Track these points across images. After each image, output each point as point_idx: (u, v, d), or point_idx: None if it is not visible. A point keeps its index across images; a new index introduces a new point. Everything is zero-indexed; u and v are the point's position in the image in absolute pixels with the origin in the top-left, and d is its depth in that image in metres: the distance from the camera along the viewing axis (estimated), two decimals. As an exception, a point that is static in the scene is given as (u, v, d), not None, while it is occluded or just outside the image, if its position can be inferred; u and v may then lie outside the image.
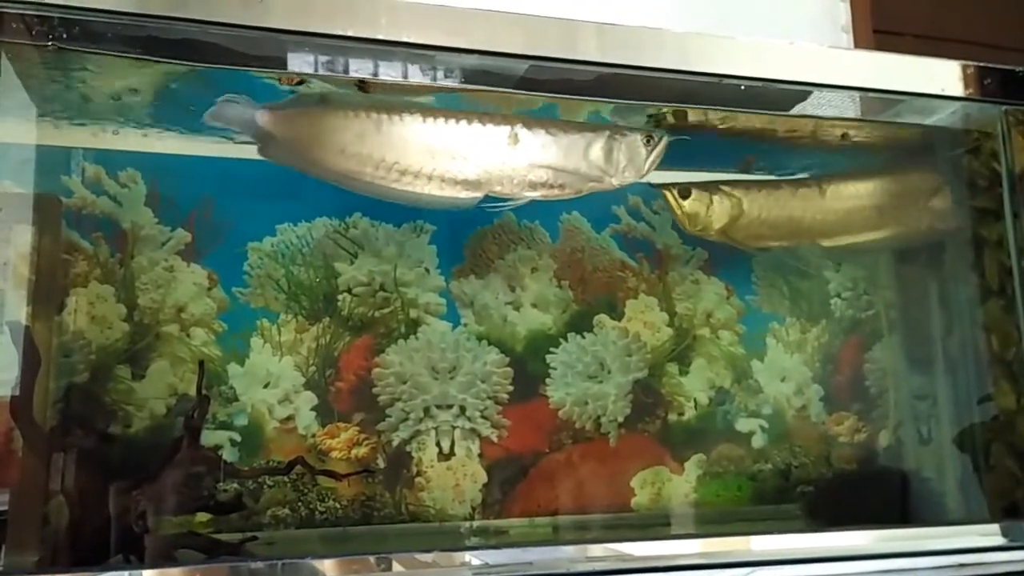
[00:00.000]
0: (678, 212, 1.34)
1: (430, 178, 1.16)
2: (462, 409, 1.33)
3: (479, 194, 1.18)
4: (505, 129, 1.18)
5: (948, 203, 1.44)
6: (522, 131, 1.18)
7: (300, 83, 1.13)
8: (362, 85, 1.13)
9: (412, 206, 1.18)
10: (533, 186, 1.19)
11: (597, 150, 1.20)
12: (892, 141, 1.44)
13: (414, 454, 1.30)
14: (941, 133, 1.38)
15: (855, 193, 1.42)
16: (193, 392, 1.17)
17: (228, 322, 1.26)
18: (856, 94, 1.26)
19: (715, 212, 1.33)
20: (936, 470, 1.46)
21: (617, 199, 1.45)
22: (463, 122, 1.16)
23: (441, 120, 1.15)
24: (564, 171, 1.19)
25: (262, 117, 1.12)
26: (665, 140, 1.22)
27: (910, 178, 1.51)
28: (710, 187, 1.35)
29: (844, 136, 1.38)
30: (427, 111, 1.15)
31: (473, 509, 1.31)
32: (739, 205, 1.34)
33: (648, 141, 1.21)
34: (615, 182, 1.22)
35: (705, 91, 1.18)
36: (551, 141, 1.19)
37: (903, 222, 1.45)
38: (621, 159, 1.21)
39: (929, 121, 1.34)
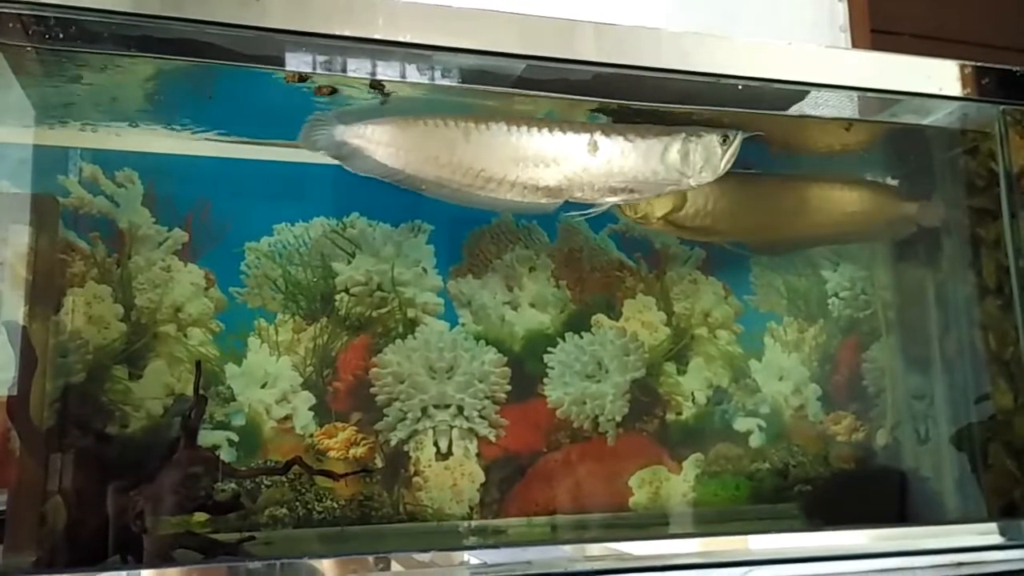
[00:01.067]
0: None
1: (513, 185, 1.17)
2: (460, 409, 1.33)
3: (560, 200, 1.19)
4: (585, 137, 1.19)
5: (908, 205, 1.45)
6: (601, 138, 1.19)
7: (302, 80, 1.13)
8: (376, 86, 1.14)
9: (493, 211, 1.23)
10: (613, 191, 1.20)
11: (674, 153, 1.20)
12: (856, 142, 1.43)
13: (412, 454, 1.30)
14: (933, 133, 1.38)
15: (808, 191, 1.41)
16: (190, 392, 1.17)
17: (225, 322, 1.26)
18: (854, 94, 1.25)
19: (657, 200, 1.31)
20: (934, 469, 1.46)
21: (614, 199, 1.45)
22: (544, 130, 1.17)
23: (524, 128, 1.17)
24: (643, 175, 1.20)
25: (344, 132, 1.14)
26: (740, 138, 1.22)
27: (869, 179, 1.52)
28: None
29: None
30: (511, 119, 1.17)
31: (471, 509, 1.31)
32: (682, 195, 1.32)
33: (724, 140, 1.21)
34: (692, 183, 1.22)
35: (703, 91, 1.18)
36: (629, 147, 1.20)
37: (857, 223, 1.44)
38: (698, 160, 1.21)
39: (927, 121, 1.34)
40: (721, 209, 1.35)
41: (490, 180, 1.16)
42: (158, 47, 0.98)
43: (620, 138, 1.20)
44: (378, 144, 1.15)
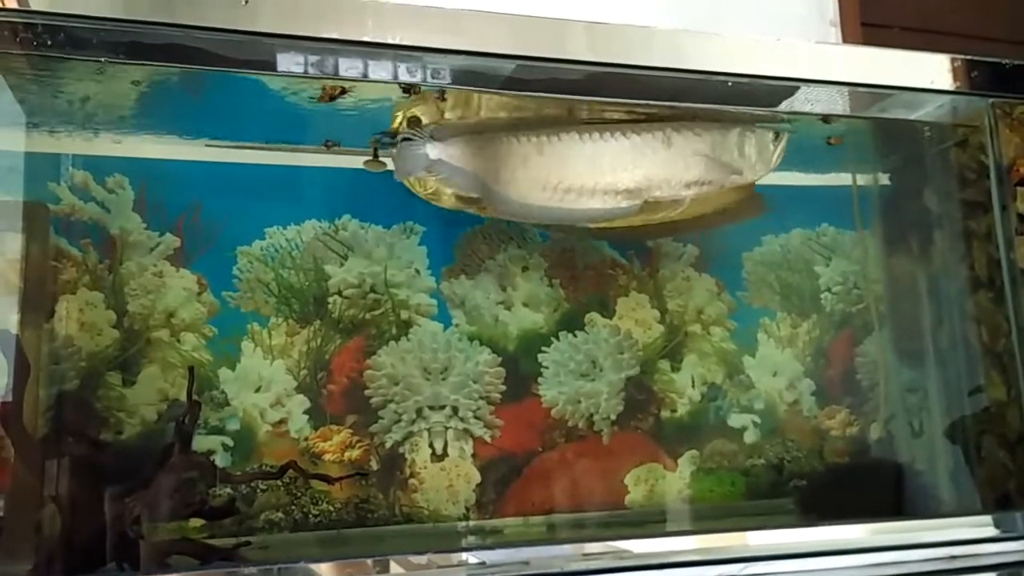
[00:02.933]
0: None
1: (593, 193, 1.18)
2: (455, 410, 1.33)
3: (639, 201, 1.21)
4: (659, 135, 1.20)
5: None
6: (673, 134, 1.21)
7: (342, 92, 1.13)
8: (409, 90, 1.14)
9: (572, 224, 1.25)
10: (688, 185, 1.23)
11: (732, 145, 1.23)
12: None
13: (407, 455, 1.30)
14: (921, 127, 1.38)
15: None
16: (184, 397, 1.16)
17: (218, 327, 1.26)
18: (844, 89, 1.26)
19: None
20: (928, 462, 1.46)
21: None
22: (617, 134, 1.19)
23: (596, 134, 1.18)
24: (712, 166, 1.22)
25: (435, 150, 1.15)
26: (787, 136, 1.25)
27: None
28: None
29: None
30: (583, 127, 1.18)
31: (467, 509, 1.31)
32: None
33: (776, 137, 1.25)
34: (751, 175, 1.25)
35: (693, 88, 1.18)
36: (698, 140, 1.22)
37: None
38: (752, 153, 1.24)
39: (916, 115, 1.34)
40: None
41: (569, 191, 1.17)
42: (148, 53, 0.98)
43: (689, 132, 1.22)
44: (466, 160, 1.16)
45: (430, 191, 1.26)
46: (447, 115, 1.20)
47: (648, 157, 1.20)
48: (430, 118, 1.20)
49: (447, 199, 1.27)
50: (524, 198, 1.18)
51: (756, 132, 1.24)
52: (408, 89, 1.13)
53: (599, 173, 1.18)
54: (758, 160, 1.25)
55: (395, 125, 1.21)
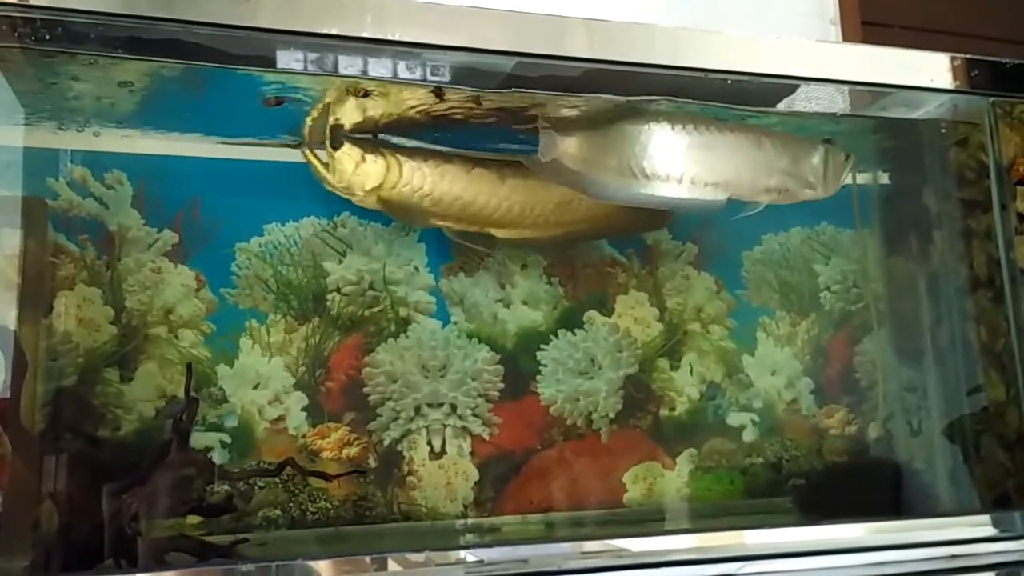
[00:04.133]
0: (319, 166, 1.23)
1: (679, 181, 1.20)
2: (453, 407, 1.33)
3: (724, 197, 1.22)
4: (751, 135, 1.23)
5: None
6: (763, 138, 1.24)
7: (365, 94, 1.13)
8: (438, 92, 1.14)
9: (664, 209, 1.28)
10: (768, 191, 1.25)
11: (816, 161, 1.27)
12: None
13: (405, 453, 1.30)
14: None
15: (536, 185, 1.30)
16: (182, 394, 1.16)
17: (217, 323, 1.25)
18: (844, 87, 1.26)
19: (365, 172, 1.22)
20: (927, 462, 1.46)
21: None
22: (712, 128, 1.22)
23: (689, 127, 1.21)
24: (793, 177, 1.25)
25: (561, 143, 1.19)
26: (853, 160, 1.30)
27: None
28: (365, 144, 1.23)
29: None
30: (676, 118, 1.21)
31: (465, 507, 1.31)
32: (398, 171, 1.23)
33: (847, 158, 1.29)
34: (820, 192, 1.28)
35: (693, 86, 1.18)
36: (784, 149, 1.25)
37: (590, 218, 1.36)
38: (829, 172, 1.27)
39: (917, 114, 1.34)
40: (443, 193, 1.26)
41: (655, 177, 1.19)
42: (147, 48, 0.98)
43: (778, 140, 1.25)
44: (581, 154, 1.19)
45: (343, 185, 1.23)
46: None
47: (737, 154, 1.23)
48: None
49: (368, 199, 1.25)
50: (610, 184, 1.20)
51: (833, 151, 1.28)
52: (439, 92, 1.14)
53: (688, 163, 1.20)
54: (832, 177, 1.28)
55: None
